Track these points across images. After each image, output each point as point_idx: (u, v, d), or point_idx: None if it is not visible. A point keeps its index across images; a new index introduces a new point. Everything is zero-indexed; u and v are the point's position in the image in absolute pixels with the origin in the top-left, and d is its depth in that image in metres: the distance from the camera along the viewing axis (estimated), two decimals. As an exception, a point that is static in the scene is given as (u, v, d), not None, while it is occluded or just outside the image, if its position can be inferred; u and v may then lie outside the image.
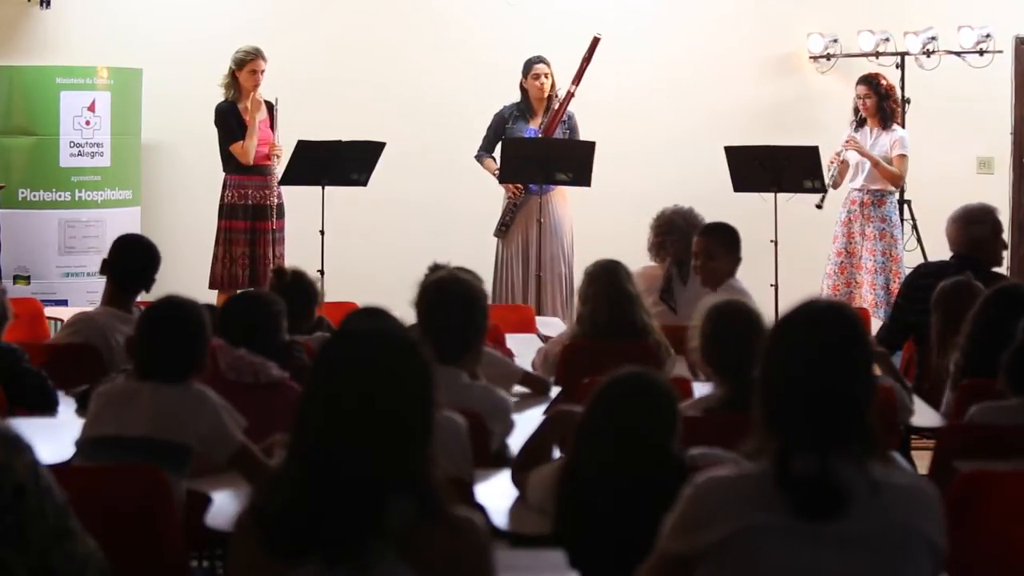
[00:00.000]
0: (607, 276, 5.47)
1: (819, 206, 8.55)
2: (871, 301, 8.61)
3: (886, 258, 8.77)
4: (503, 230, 8.61)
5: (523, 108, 8.63)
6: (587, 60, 8.59)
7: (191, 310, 3.91)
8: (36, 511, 2.51)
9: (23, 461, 2.52)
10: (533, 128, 8.57)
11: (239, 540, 2.40)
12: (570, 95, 8.54)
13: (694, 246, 6.07)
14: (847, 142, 8.67)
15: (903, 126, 8.88)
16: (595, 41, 8.62)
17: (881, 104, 8.69)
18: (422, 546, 2.28)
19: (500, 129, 8.61)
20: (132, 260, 5.52)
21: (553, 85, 8.59)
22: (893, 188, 8.76)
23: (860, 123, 8.77)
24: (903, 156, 8.65)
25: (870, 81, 8.78)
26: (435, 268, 5.20)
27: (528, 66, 8.62)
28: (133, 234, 5.86)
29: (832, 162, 8.62)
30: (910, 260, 8.79)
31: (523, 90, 8.65)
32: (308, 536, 2.27)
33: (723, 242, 6.01)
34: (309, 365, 4.38)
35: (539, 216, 8.43)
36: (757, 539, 2.45)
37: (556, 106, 8.54)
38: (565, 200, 8.64)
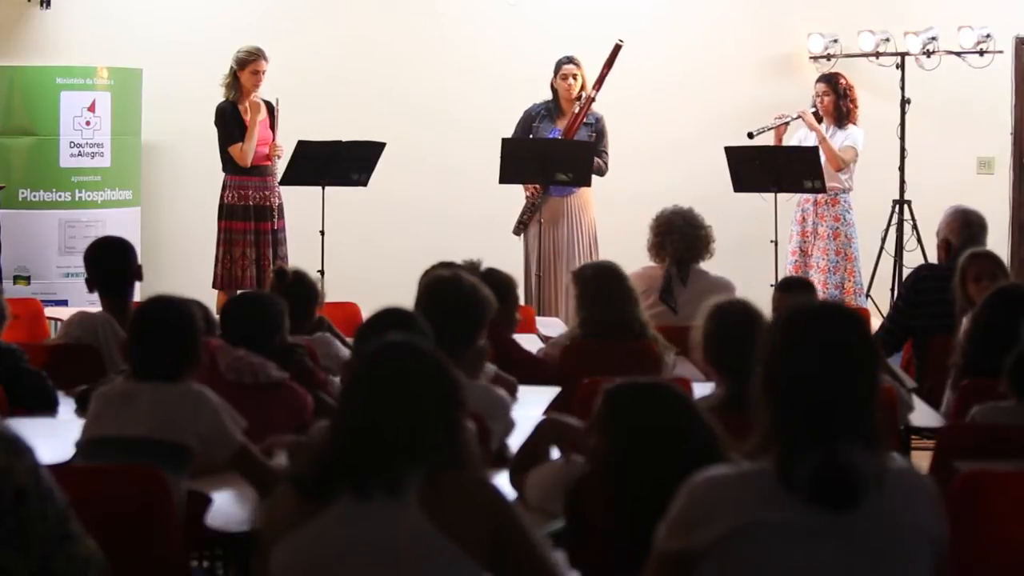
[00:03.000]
0: (600, 278, 5.46)
1: (750, 135, 8.73)
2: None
3: (840, 257, 8.82)
4: (520, 228, 8.61)
5: (552, 108, 8.61)
6: (608, 66, 8.55)
7: (179, 308, 3.89)
8: (37, 514, 2.51)
9: (24, 464, 2.52)
10: (559, 128, 8.55)
11: (276, 497, 2.77)
12: (590, 100, 8.51)
13: (775, 302, 5.77)
14: (801, 111, 8.90)
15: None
16: (617, 47, 8.58)
17: (838, 103, 8.89)
18: (438, 498, 2.63)
19: (527, 126, 8.60)
20: (103, 266, 5.46)
21: (583, 86, 8.55)
22: (846, 187, 8.80)
23: (817, 120, 8.95)
24: (851, 147, 8.81)
25: (829, 80, 9.03)
26: (472, 266, 5.19)
27: (558, 66, 8.60)
28: (96, 241, 5.72)
29: (777, 118, 8.86)
30: (910, 260, 8.80)
31: (553, 90, 8.63)
32: (334, 479, 2.65)
33: (806, 299, 5.68)
34: (311, 367, 4.40)
35: (540, 217, 8.42)
36: (757, 536, 2.45)
37: (577, 110, 8.52)
38: (588, 203, 8.61)
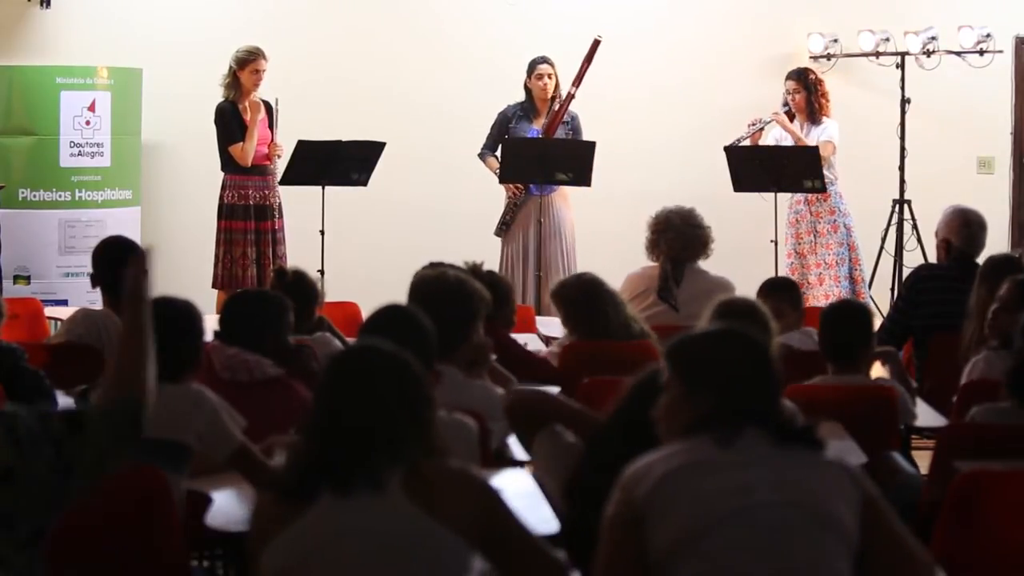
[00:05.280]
0: (582, 294, 5.44)
1: (727, 149, 8.61)
2: (837, 294, 8.61)
3: (844, 248, 8.82)
4: (503, 229, 8.61)
5: (527, 108, 8.62)
6: (588, 62, 8.57)
7: (180, 309, 3.90)
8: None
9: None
10: (536, 128, 8.56)
11: (260, 503, 2.84)
12: (571, 96, 8.53)
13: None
14: (774, 114, 8.86)
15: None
16: (596, 43, 8.60)
17: (810, 99, 8.87)
18: (421, 485, 2.67)
19: (504, 128, 8.60)
20: (112, 267, 5.44)
21: (557, 86, 8.56)
22: (832, 178, 8.77)
23: (789, 118, 8.93)
24: (829, 142, 8.76)
25: (799, 76, 8.98)
26: (472, 267, 5.20)
27: (532, 66, 8.61)
28: (107, 239, 5.70)
29: (751, 125, 8.84)
30: (910, 260, 8.81)
31: (527, 90, 8.63)
32: (313, 479, 2.68)
33: (790, 299, 5.74)
34: (316, 371, 4.39)
35: (539, 216, 8.43)
36: (689, 471, 2.66)
37: (557, 107, 8.53)
38: (566, 201, 8.64)
